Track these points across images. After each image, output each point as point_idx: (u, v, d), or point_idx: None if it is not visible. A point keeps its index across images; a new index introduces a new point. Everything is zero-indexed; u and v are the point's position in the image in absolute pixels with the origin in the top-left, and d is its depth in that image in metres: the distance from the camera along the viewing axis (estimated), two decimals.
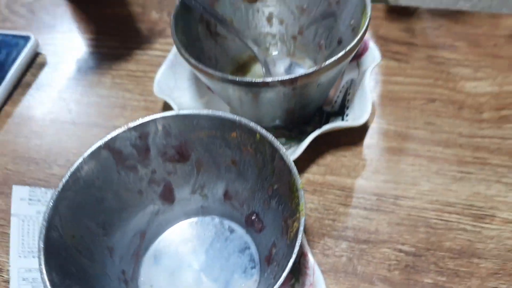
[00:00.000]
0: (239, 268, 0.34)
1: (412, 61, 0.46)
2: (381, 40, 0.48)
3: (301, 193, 0.28)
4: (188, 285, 0.33)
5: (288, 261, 0.26)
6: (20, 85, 0.49)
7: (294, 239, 0.26)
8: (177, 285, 0.33)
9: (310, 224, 0.37)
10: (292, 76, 0.33)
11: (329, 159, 0.40)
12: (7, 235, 0.38)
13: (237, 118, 0.31)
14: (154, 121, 0.32)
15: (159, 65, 0.45)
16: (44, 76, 0.50)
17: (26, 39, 0.51)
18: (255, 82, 0.34)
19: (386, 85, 0.45)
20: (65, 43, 0.53)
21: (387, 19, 0.50)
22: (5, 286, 0.36)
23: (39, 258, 0.27)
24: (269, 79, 0.33)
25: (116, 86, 0.48)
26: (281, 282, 0.25)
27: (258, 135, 0.31)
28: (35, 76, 0.50)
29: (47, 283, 0.26)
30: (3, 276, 0.36)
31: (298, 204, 0.28)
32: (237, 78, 0.34)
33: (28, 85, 0.49)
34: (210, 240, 0.35)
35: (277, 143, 0.30)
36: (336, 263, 0.35)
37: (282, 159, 0.29)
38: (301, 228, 0.27)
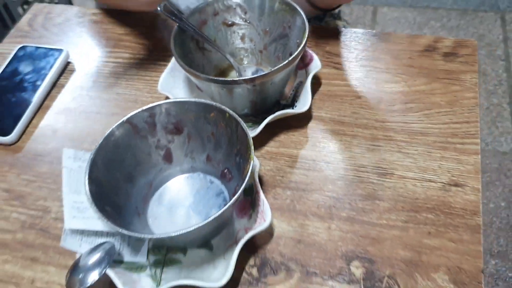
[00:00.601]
0: (216, 205, 0.49)
1: (348, 69, 0.63)
2: (327, 54, 0.65)
3: (252, 148, 0.44)
4: (181, 217, 0.49)
5: (240, 186, 0.42)
6: (56, 85, 0.66)
7: (246, 174, 0.42)
8: (173, 217, 0.49)
9: (267, 179, 0.53)
10: (252, 76, 0.49)
11: (282, 137, 0.56)
12: (53, 189, 0.54)
13: (214, 103, 0.48)
14: (159, 105, 0.49)
15: (162, 71, 0.61)
16: (74, 79, 0.66)
17: (59, 51, 0.68)
18: (228, 81, 0.50)
19: (327, 86, 0.61)
20: (90, 55, 0.69)
21: (331, 39, 0.66)
22: (54, 221, 0.52)
23: (85, 187, 0.43)
24: (236, 79, 0.50)
25: (129, 86, 0.64)
26: (238, 195, 0.41)
27: (227, 114, 0.47)
28: (67, 79, 0.66)
29: (91, 201, 0.42)
30: (51, 215, 0.52)
31: (250, 154, 0.44)
32: (216, 78, 0.50)
33: (62, 86, 0.66)
34: (197, 188, 0.51)
35: (239, 119, 0.46)
36: (282, 204, 0.51)
37: (242, 129, 0.46)
38: (250, 168, 0.43)
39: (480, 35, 1.83)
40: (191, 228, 0.39)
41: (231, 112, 0.47)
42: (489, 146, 1.48)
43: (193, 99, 0.48)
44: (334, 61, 0.64)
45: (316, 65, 0.58)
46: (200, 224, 0.39)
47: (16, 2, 1.22)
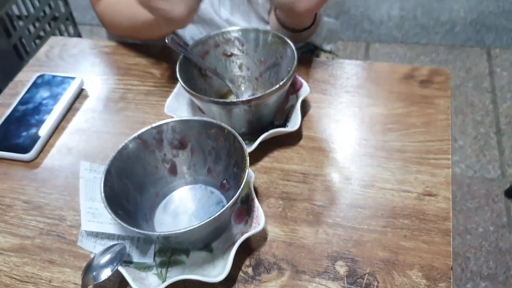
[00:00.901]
0: (215, 213, 0.55)
1: (334, 95, 0.70)
2: (315, 81, 0.72)
3: (247, 158, 0.50)
4: (184, 223, 0.55)
5: (237, 191, 0.48)
6: (71, 109, 0.73)
7: (242, 181, 0.49)
8: (177, 222, 0.55)
9: (261, 191, 0.59)
10: (248, 98, 0.56)
11: (275, 153, 0.63)
12: (68, 200, 0.60)
13: (214, 121, 0.54)
14: (167, 123, 0.55)
15: (167, 96, 0.68)
16: (88, 103, 0.73)
17: (74, 78, 0.75)
18: (227, 102, 0.57)
19: (316, 109, 0.68)
20: (101, 82, 0.76)
21: (320, 68, 0.74)
22: (69, 229, 0.58)
23: (101, 193, 0.49)
24: (235, 100, 0.57)
25: (138, 110, 0.71)
26: (235, 197, 0.47)
27: (226, 130, 0.54)
28: (81, 103, 0.73)
29: (106, 205, 0.48)
30: (67, 223, 0.58)
31: (245, 163, 0.50)
32: (217, 100, 0.57)
33: (77, 109, 0.73)
34: (199, 198, 0.57)
35: (236, 133, 0.53)
36: (275, 212, 0.57)
37: (239, 142, 0.52)
38: (246, 175, 0.49)
39: (467, 69, 1.92)
40: (195, 226, 0.45)
41: (229, 128, 0.53)
42: (477, 173, 1.54)
43: (196, 117, 0.55)
44: (322, 88, 0.71)
45: (305, 90, 0.65)
46: (203, 222, 0.45)
47: (30, 36, 1.31)
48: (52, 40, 0.85)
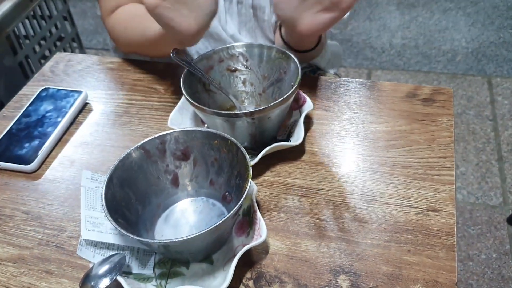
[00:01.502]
0: None
1: (337, 112, 0.70)
2: (318, 99, 0.72)
3: (250, 168, 0.50)
4: (185, 234, 0.54)
5: (239, 201, 0.47)
6: (75, 122, 0.73)
7: (244, 191, 0.48)
8: (178, 234, 0.54)
9: (263, 204, 0.58)
10: (251, 110, 0.57)
11: (278, 168, 0.63)
12: (69, 211, 0.59)
13: (218, 132, 0.54)
14: (170, 133, 0.55)
15: (170, 111, 0.68)
16: (92, 117, 0.74)
17: (78, 92, 0.76)
18: (230, 114, 0.57)
19: (319, 125, 0.68)
20: (106, 97, 0.77)
21: (323, 86, 0.74)
22: (69, 239, 0.57)
23: (101, 201, 0.49)
24: (238, 112, 0.57)
25: (142, 124, 0.71)
26: (237, 207, 0.46)
27: (229, 141, 0.54)
28: (85, 117, 0.74)
29: (107, 213, 0.48)
30: (66, 234, 0.58)
31: (248, 174, 0.50)
32: (220, 112, 0.57)
33: (80, 123, 0.73)
34: (200, 210, 0.57)
35: (239, 144, 0.53)
36: (277, 225, 0.56)
37: (242, 153, 0.52)
38: (248, 186, 0.49)
39: (468, 97, 1.93)
40: (196, 234, 0.45)
41: (232, 139, 0.53)
42: (479, 200, 1.53)
43: (199, 128, 0.55)
44: (325, 105, 0.71)
45: (308, 106, 0.65)
46: (204, 231, 0.45)
47: (36, 56, 1.33)
48: (58, 56, 0.86)
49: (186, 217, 0.56)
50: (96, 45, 2.24)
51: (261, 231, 0.51)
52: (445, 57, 2.12)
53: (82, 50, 1.50)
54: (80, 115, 0.74)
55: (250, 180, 0.49)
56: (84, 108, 0.75)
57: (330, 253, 0.53)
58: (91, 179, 0.55)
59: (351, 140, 0.66)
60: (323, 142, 0.66)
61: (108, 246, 0.52)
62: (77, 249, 0.51)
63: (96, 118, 0.73)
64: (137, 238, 0.46)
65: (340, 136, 0.66)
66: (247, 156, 0.51)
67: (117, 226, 0.47)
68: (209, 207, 0.57)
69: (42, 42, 1.36)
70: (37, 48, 1.35)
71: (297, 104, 0.67)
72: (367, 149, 0.64)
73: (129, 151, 0.54)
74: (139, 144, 0.54)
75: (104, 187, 0.50)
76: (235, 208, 0.47)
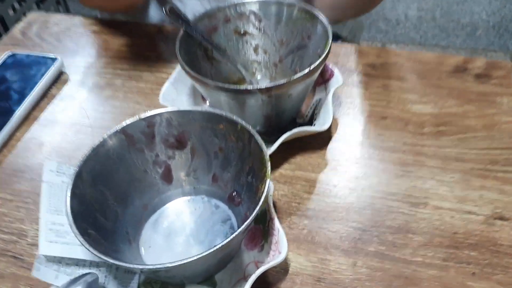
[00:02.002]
0: (221, 234, 0.42)
1: (370, 88, 0.57)
2: (347, 71, 0.59)
3: (268, 164, 0.37)
4: (179, 246, 0.42)
5: (254, 210, 0.34)
6: (47, 96, 0.59)
7: (261, 196, 0.35)
8: (170, 245, 0.42)
9: (280, 206, 0.46)
10: (268, 85, 0.43)
11: (298, 159, 0.50)
12: (32, 209, 0.47)
13: (223, 113, 0.41)
14: (159, 114, 0.42)
15: (163, 84, 0.54)
16: (67, 90, 0.60)
17: (53, 59, 0.62)
18: (241, 89, 0.44)
19: (348, 105, 0.55)
20: (85, 65, 0.63)
21: (354, 56, 0.61)
22: (30, 248, 0.44)
23: (65, 204, 0.35)
24: (250, 87, 0.43)
25: (127, 99, 0.57)
26: (250, 220, 0.33)
27: (239, 126, 0.40)
28: (59, 89, 0.60)
29: (72, 222, 0.35)
30: (27, 240, 0.45)
31: (266, 172, 0.37)
32: (227, 85, 0.44)
33: (53, 96, 0.59)
34: (199, 213, 0.44)
35: (253, 130, 0.39)
36: (299, 234, 0.43)
37: (256, 142, 0.39)
38: (266, 188, 0.36)
39: None
40: (192, 259, 0.32)
41: (243, 123, 0.40)
42: None
43: (199, 108, 0.42)
44: (354, 79, 0.57)
45: (337, 81, 0.52)
46: (203, 254, 0.32)
47: (14, 17, 1.18)
48: (32, 16, 0.72)
49: (181, 222, 0.43)
50: (90, 12, 2.07)
51: (280, 246, 0.38)
52: (464, 31, 1.96)
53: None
54: (53, 87, 0.60)
55: (268, 179, 0.36)
56: (59, 79, 0.61)
57: (370, 274, 0.40)
58: (57, 171, 0.42)
59: (390, 125, 0.52)
60: (354, 126, 0.52)
61: (78, 262, 0.40)
62: (34, 269, 0.38)
63: (73, 91, 0.60)
64: (111, 261, 0.33)
65: (375, 119, 0.53)
66: (264, 147, 0.38)
67: (84, 243, 0.34)
68: (211, 210, 0.44)
69: (23, 3, 1.21)
70: (17, 7, 1.19)
71: (323, 78, 0.53)
72: (410, 136, 0.51)
73: (105, 136, 0.40)
74: (118, 127, 0.41)
75: (70, 187, 0.37)
76: (248, 221, 0.34)
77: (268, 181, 0.36)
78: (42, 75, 0.60)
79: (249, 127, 0.40)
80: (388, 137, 0.51)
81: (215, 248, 0.32)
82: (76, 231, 0.34)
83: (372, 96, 0.56)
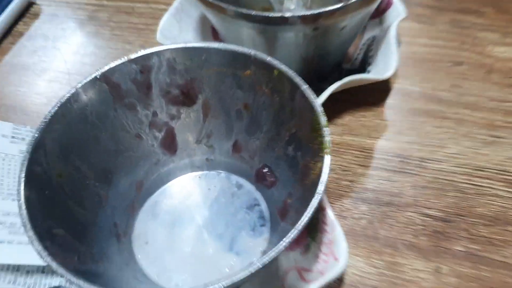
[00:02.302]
0: (247, 225, 0.30)
1: (436, 24, 0.43)
2: (404, 3, 0.44)
3: (326, 130, 0.24)
4: (189, 242, 0.29)
5: (309, 204, 0.22)
6: (11, 33, 0.46)
7: (317, 180, 0.23)
8: (176, 242, 0.30)
9: (327, 184, 0.33)
10: (315, 11, 0.29)
11: (347, 119, 0.37)
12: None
13: (252, 52, 0.28)
14: (158, 53, 0.29)
15: (161, 16, 0.41)
16: (38, 26, 0.46)
17: None
18: (273, 17, 0.30)
19: (409, 46, 0.41)
20: None
21: None
22: None
23: (18, 191, 0.23)
24: (288, 14, 0.30)
25: (115, 38, 0.44)
26: (303, 224, 0.21)
27: (276, 71, 0.27)
28: (27, 25, 0.46)
29: (27, 219, 0.22)
30: None
31: (322, 143, 0.24)
32: (253, 12, 0.30)
33: (20, 34, 0.46)
34: (215, 195, 0.31)
35: (298, 78, 0.26)
36: (354, 225, 0.31)
37: (303, 96, 0.26)
38: (326, 169, 0.23)
39: None
40: (227, 283, 0.20)
41: (283, 67, 0.27)
42: None
43: (215, 44, 0.28)
44: (416, 12, 0.44)
45: (397, 12, 0.38)
46: (233, 281, 0.20)
47: None
48: None
49: (189, 208, 0.31)
50: None
51: (337, 248, 0.26)
52: None
53: None
54: (19, 22, 0.47)
55: (327, 153, 0.23)
56: (28, 12, 0.48)
57: (459, 284, 0.28)
58: (12, 136, 0.30)
59: (467, 73, 0.39)
60: (421, 74, 0.39)
61: (43, 269, 0.28)
62: None
63: (44, 27, 0.46)
64: (86, 286, 0.21)
65: (447, 65, 0.40)
66: (317, 104, 0.25)
67: (43, 253, 0.21)
68: (231, 190, 0.32)
69: None
70: None
71: (377, 9, 0.39)
72: (496, 88, 0.38)
73: (78, 86, 0.27)
74: (98, 72, 0.28)
75: (25, 162, 0.24)
76: (300, 224, 0.21)
77: (329, 157, 0.23)
78: (5, 7, 0.46)
79: (293, 73, 0.26)
80: (466, 90, 0.38)
81: (252, 271, 0.20)
82: (32, 233, 0.22)
83: (440, 35, 0.42)
